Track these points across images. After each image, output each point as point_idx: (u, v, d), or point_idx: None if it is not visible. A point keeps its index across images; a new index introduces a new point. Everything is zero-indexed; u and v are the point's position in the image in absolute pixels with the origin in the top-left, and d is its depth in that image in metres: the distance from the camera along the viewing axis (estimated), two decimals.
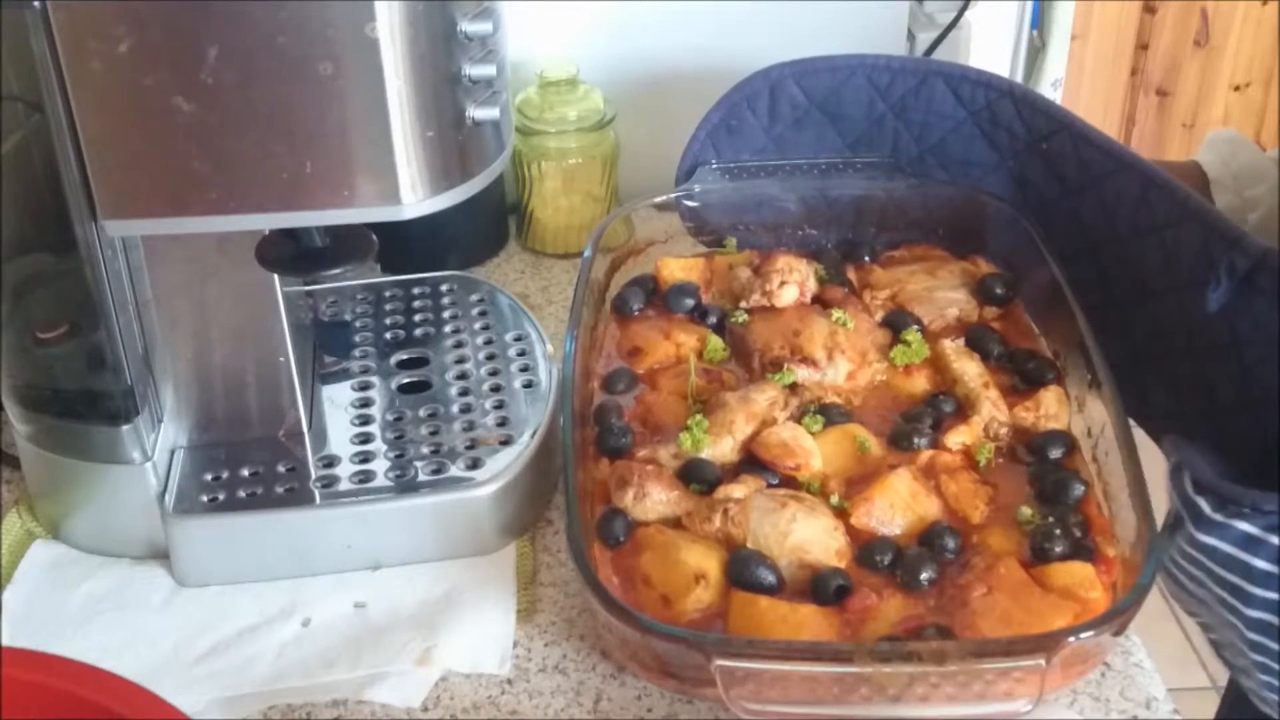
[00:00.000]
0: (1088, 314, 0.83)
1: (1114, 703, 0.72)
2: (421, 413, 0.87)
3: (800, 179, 1.00)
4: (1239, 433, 0.83)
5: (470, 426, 0.86)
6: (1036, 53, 1.43)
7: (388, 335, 0.96)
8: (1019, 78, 1.28)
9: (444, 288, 1.01)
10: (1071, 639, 0.63)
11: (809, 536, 0.72)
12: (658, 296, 0.94)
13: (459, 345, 0.94)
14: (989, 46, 1.21)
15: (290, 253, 0.76)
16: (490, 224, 1.15)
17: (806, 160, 1.01)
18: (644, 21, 1.14)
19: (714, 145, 1.01)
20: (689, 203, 0.99)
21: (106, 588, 0.80)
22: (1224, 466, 0.72)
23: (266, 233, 0.76)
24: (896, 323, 0.90)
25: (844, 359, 0.85)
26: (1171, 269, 0.84)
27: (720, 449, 0.79)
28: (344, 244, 0.76)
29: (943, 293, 0.93)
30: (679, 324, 0.91)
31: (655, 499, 0.76)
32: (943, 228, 0.98)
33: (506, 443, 0.84)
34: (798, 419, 0.82)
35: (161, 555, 0.81)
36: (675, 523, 0.75)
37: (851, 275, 0.96)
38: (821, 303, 0.92)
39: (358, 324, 0.97)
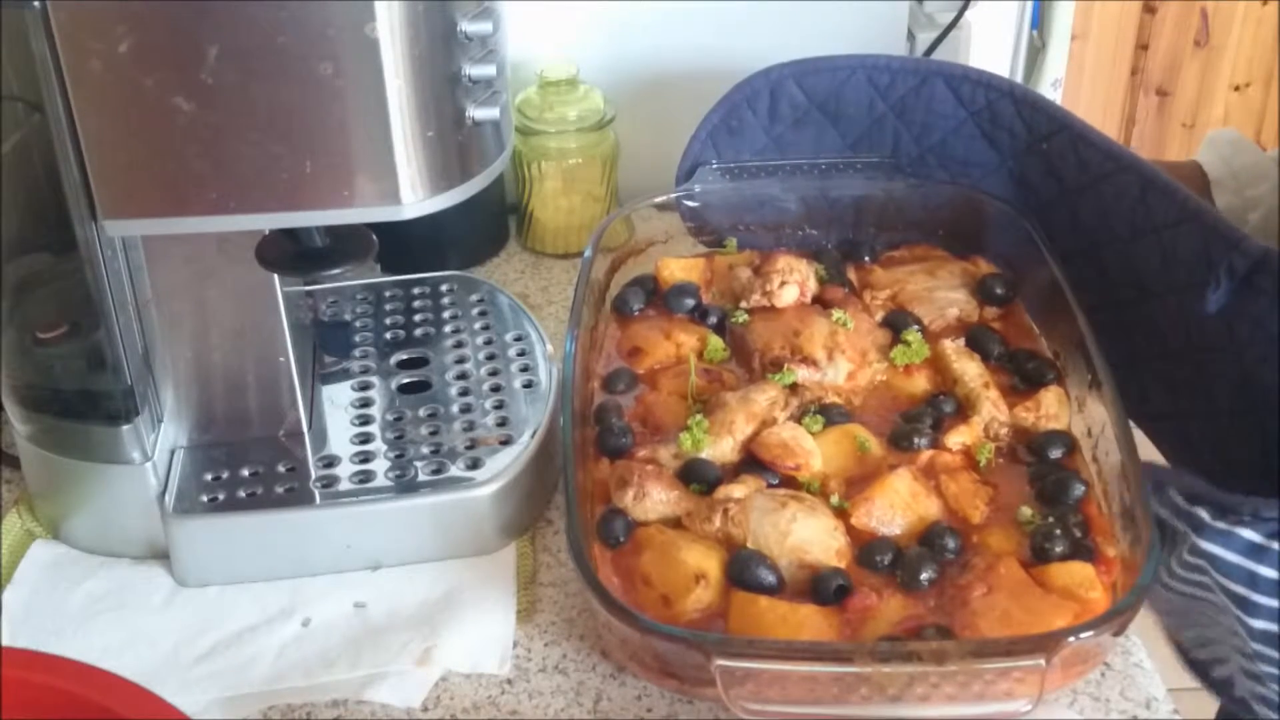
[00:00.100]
0: (1087, 314, 0.83)
1: (1114, 703, 0.72)
2: (421, 413, 0.87)
3: (800, 179, 1.00)
4: (1238, 433, 0.83)
5: (470, 426, 0.86)
6: (1036, 53, 1.43)
7: (388, 335, 0.96)
8: (1019, 78, 1.28)
9: (444, 288, 1.01)
10: (1071, 639, 0.63)
11: (809, 536, 0.72)
12: (658, 296, 0.94)
13: (459, 345, 0.94)
14: (989, 46, 1.21)
15: (290, 253, 0.76)
16: (490, 224, 1.15)
17: (807, 160, 1.01)
18: (644, 21, 1.14)
19: (714, 145, 1.01)
20: (689, 203, 0.99)
21: (106, 588, 0.80)
22: (1203, 481, 0.73)
23: (266, 233, 0.76)
24: (897, 323, 0.90)
25: (844, 359, 0.85)
26: (1170, 270, 0.84)
27: (720, 449, 0.79)
28: (344, 244, 0.76)
29: (943, 293, 0.93)
30: (679, 324, 0.91)
31: (655, 499, 0.76)
32: (943, 228, 0.98)
33: (506, 443, 0.84)
34: (798, 419, 0.82)
35: (161, 555, 0.81)
36: (675, 523, 0.75)
37: (852, 275, 0.96)
38: (822, 303, 0.92)
39: (358, 324, 0.97)
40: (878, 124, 1.00)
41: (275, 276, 0.79)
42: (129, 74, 0.65)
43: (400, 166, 0.69)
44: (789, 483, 0.78)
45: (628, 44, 1.15)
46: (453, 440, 0.84)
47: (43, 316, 0.78)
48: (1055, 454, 0.79)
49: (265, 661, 0.75)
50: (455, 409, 0.87)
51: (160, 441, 0.81)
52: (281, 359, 0.82)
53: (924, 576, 0.71)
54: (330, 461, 0.83)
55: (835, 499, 0.76)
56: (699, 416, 0.80)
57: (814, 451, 0.78)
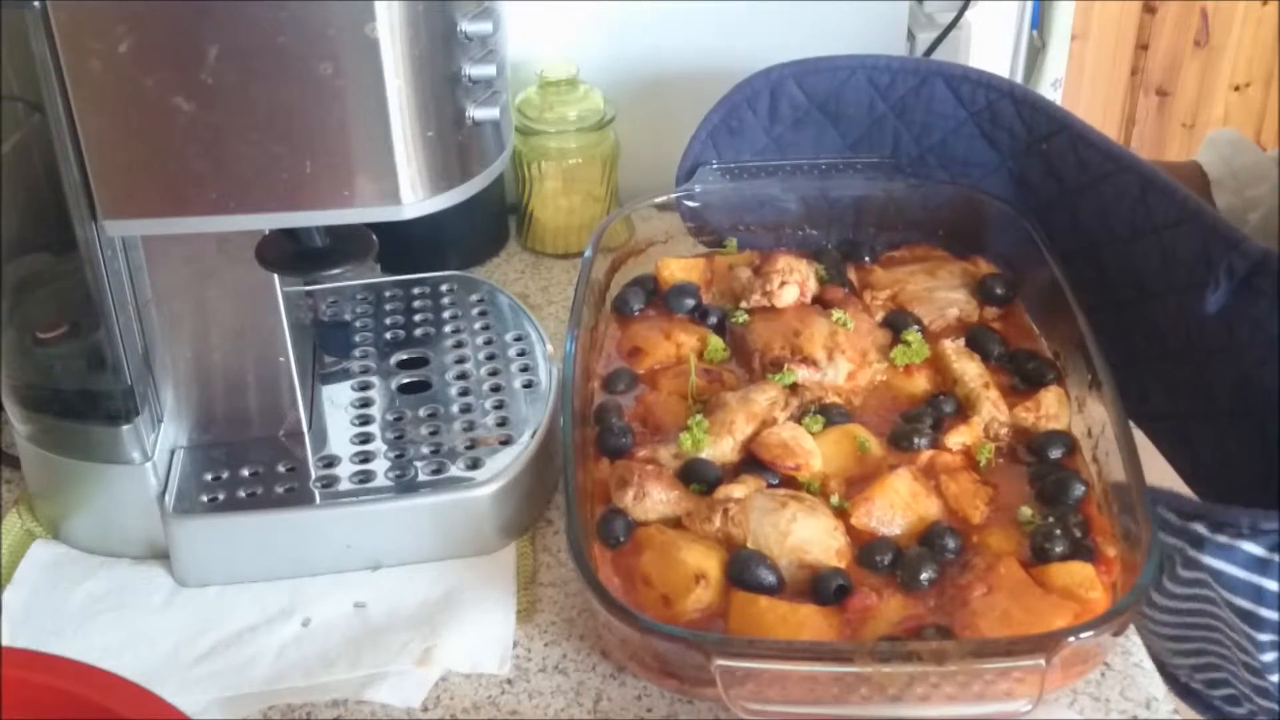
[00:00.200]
0: (1087, 314, 0.83)
1: (1114, 703, 0.72)
2: (421, 413, 0.87)
3: (801, 179, 1.00)
4: (1238, 434, 0.83)
5: (470, 426, 0.86)
6: (1036, 53, 1.43)
7: (388, 335, 0.96)
8: (1019, 78, 1.28)
9: (444, 288, 1.01)
10: (1071, 639, 0.63)
11: (809, 536, 0.72)
12: (658, 297, 0.94)
13: (459, 345, 0.94)
14: (989, 46, 1.21)
15: (290, 253, 0.76)
16: (490, 224, 1.15)
17: (807, 160, 1.01)
18: (644, 21, 1.14)
19: (714, 145, 1.01)
20: (689, 203, 0.99)
21: (106, 588, 0.80)
22: (1192, 496, 0.73)
23: (266, 233, 0.76)
24: (897, 323, 0.90)
25: (844, 359, 0.85)
26: (1170, 270, 0.84)
27: (720, 449, 0.79)
28: (344, 244, 0.76)
29: (943, 293, 0.93)
30: (679, 324, 0.91)
31: (655, 499, 0.76)
32: (943, 228, 0.98)
33: (506, 443, 0.84)
34: (798, 419, 0.82)
35: (161, 555, 0.81)
36: (675, 523, 0.75)
37: (852, 275, 0.96)
38: (822, 303, 0.92)
39: (358, 324, 0.97)
40: (878, 124, 1.00)
41: (275, 276, 0.79)
42: (129, 74, 0.65)
43: (400, 166, 0.69)
44: (789, 483, 0.78)
45: (628, 44, 1.15)
46: (453, 440, 0.84)
47: (43, 316, 0.78)
48: (1055, 454, 0.79)
49: (265, 661, 0.75)
50: (455, 409, 0.87)
51: (160, 441, 0.81)
52: (281, 359, 0.82)
53: (924, 576, 0.71)
54: (330, 461, 0.83)
55: (835, 499, 0.76)
56: (699, 416, 0.80)
57: (814, 451, 0.78)
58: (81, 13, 0.64)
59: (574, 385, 0.79)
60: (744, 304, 0.91)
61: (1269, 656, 0.73)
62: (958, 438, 0.80)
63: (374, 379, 0.91)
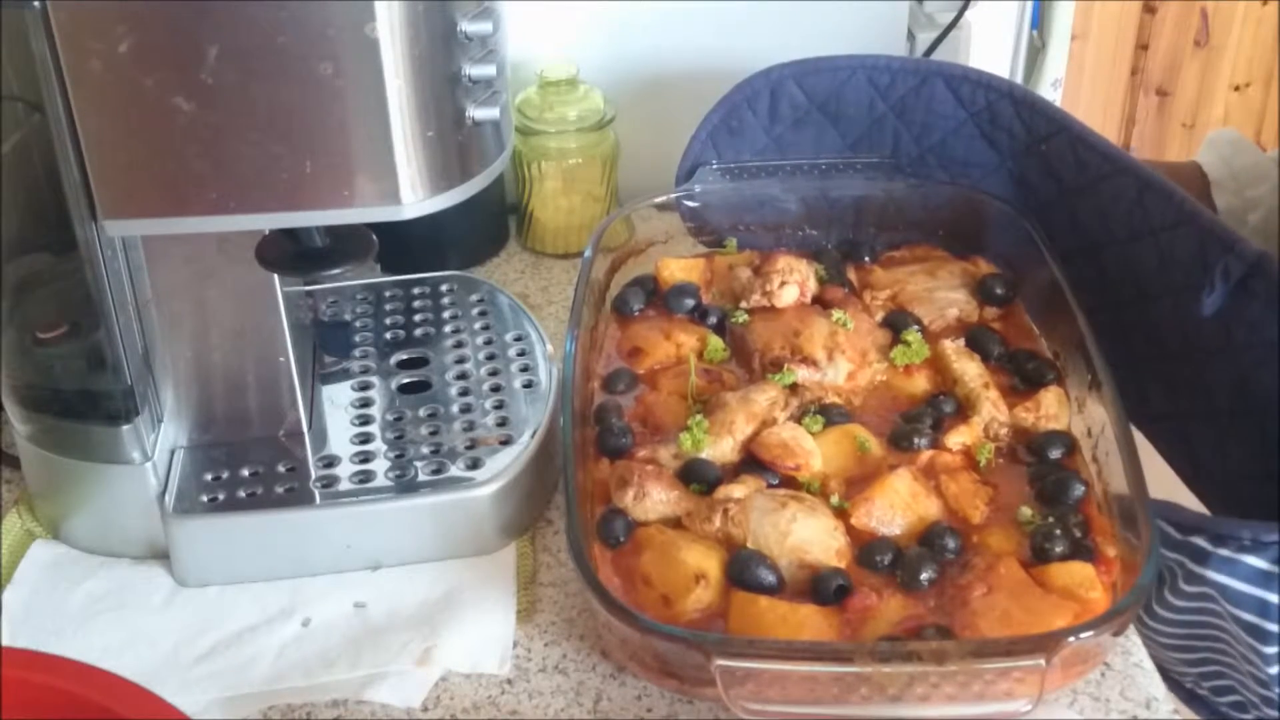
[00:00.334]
0: (1087, 315, 0.83)
1: (1114, 703, 0.72)
2: (421, 413, 0.87)
3: (801, 179, 1.00)
4: (1238, 435, 0.83)
5: (470, 426, 0.86)
6: (1036, 53, 1.43)
7: (388, 335, 0.96)
8: (1019, 78, 1.28)
9: (444, 288, 1.01)
10: (1071, 639, 0.63)
11: (809, 536, 0.72)
12: (658, 297, 0.94)
13: (459, 345, 0.94)
14: (989, 46, 1.21)
15: (290, 253, 0.76)
16: (490, 224, 1.15)
17: (807, 160, 1.01)
18: (644, 21, 1.14)
19: (714, 145, 1.01)
20: (689, 203, 0.99)
21: (106, 588, 0.80)
22: (1191, 510, 0.73)
23: (266, 233, 0.76)
24: (897, 323, 0.90)
25: (844, 359, 0.85)
26: (1167, 272, 0.84)
27: (720, 449, 0.79)
28: (344, 244, 0.76)
29: (943, 293, 0.93)
30: (679, 324, 0.91)
31: (655, 499, 0.76)
32: (943, 228, 0.98)
33: (506, 443, 0.84)
34: (798, 419, 0.82)
35: (161, 555, 0.81)
36: (675, 523, 0.75)
37: (852, 275, 0.96)
38: (822, 303, 0.92)
39: (358, 324, 0.97)
40: (878, 124, 1.00)
41: (275, 276, 0.79)
42: (129, 74, 0.65)
43: (400, 166, 0.69)
44: (789, 483, 0.78)
45: (628, 44, 1.15)
46: (453, 440, 0.84)
47: (43, 316, 0.78)
48: (1055, 454, 0.79)
49: (265, 661, 0.75)
50: (455, 409, 0.87)
51: (160, 441, 0.81)
52: (281, 359, 0.82)
53: (924, 576, 0.71)
54: (330, 461, 0.83)
55: (835, 499, 0.76)
56: (699, 417, 0.80)
57: (814, 451, 0.78)
58: (81, 13, 0.64)
59: (574, 385, 0.79)
60: (744, 304, 0.91)
61: (1275, 669, 0.73)
62: (958, 438, 0.80)
63: (374, 379, 0.91)
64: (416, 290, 1.01)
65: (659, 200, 0.98)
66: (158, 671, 0.74)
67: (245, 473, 0.82)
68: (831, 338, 0.86)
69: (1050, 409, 0.82)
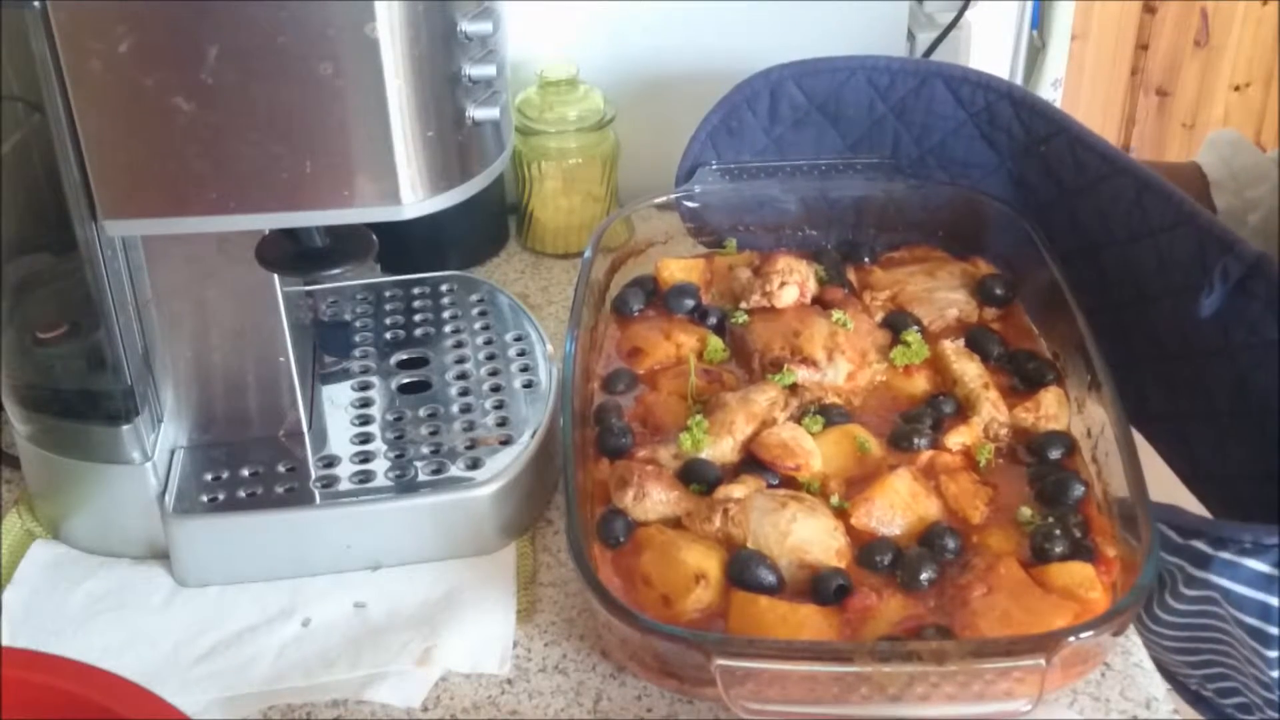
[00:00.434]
0: (1086, 316, 0.83)
1: (1114, 703, 0.72)
2: (421, 413, 0.87)
3: (800, 180, 1.00)
4: (1237, 435, 0.83)
5: (470, 426, 0.86)
6: (1036, 53, 1.43)
7: (388, 335, 0.96)
8: (1019, 78, 1.28)
9: (444, 288, 1.01)
10: (1071, 639, 0.63)
11: (809, 536, 0.72)
12: (658, 297, 0.94)
13: (459, 345, 0.94)
14: (989, 46, 1.21)
15: (290, 253, 0.76)
16: (490, 224, 1.15)
17: (807, 161, 1.01)
18: (644, 21, 1.14)
19: (714, 146, 1.01)
20: (689, 203, 0.99)
21: (106, 588, 0.80)
22: (1190, 512, 0.73)
23: (266, 233, 0.76)
24: (896, 323, 0.90)
25: (844, 359, 0.85)
26: (1166, 273, 0.84)
27: (720, 449, 0.79)
28: (344, 244, 0.76)
29: (942, 294, 0.93)
30: (679, 325, 0.91)
31: (655, 499, 0.76)
32: (942, 229, 0.98)
33: (506, 443, 0.84)
34: (798, 419, 0.82)
35: (161, 555, 0.81)
36: (675, 523, 0.76)
37: (851, 276, 0.96)
38: (821, 303, 0.92)
39: (358, 324, 0.97)
40: (877, 125, 1.00)
41: (275, 276, 0.79)
42: (129, 74, 0.65)
43: (400, 166, 0.69)
44: (789, 483, 0.78)
45: (628, 44, 1.15)
46: (453, 440, 0.84)
47: (43, 316, 0.78)
48: (1055, 455, 0.79)
49: (265, 661, 0.75)
50: (455, 409, 0.87)
51: (160, 441, 0.81)
52: (281, 359, 0.82)
53: (924, 576, 0.71)
54: (330, 461, 0.83)
55: (835, 499, 0.76)
56: (699, 417, 0.80)
57: (814, 452, 0.78)
58: (81, 13, 0.64)
59: (574, 386, 0.80)
60: (744, 304, 0.91)
61: (1278, 673, 0.73)
62: (957, 438, 0.80)
63: (374, 379, 0.91)
64: (416, 290, 1.01)
65: (659, 201, 0.98)
66: (158, 671, 0.74)
67: (245, 473, 0.82)
68: (831, 338, 0.86)
69: (1050, 409, 0.82)
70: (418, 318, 0.98)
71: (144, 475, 0.80)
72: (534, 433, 0.84)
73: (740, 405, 0.81)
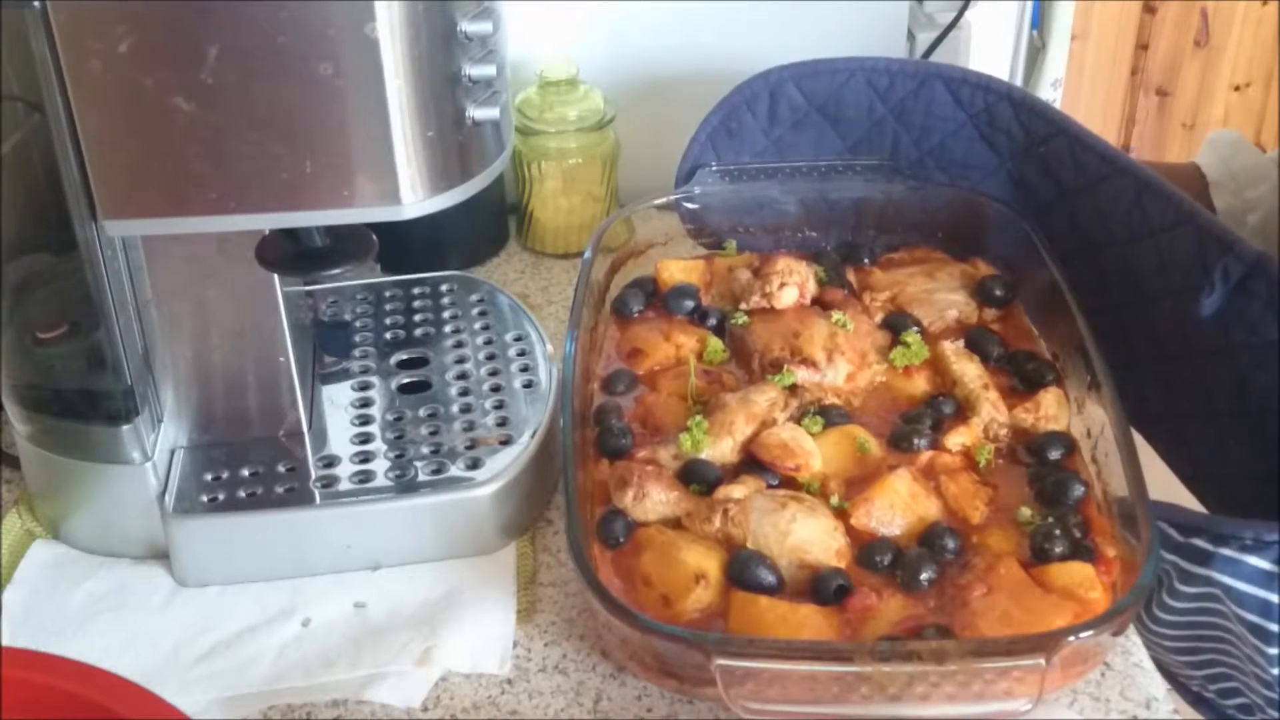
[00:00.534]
0: (1086, 317, 0.83)
1: (1114, 703, 0.72)
2: (421, 413, 0.87)
3: (800, 181, 1.00)
4: (1237, 436, 0.83)
5: (470, 426, 0.86)
6: (1036, 53, 1.43)
7: (388, 335, 0.96)
8: (1019, 78, 1.28)
9: (444, 288, 1.01)
10: (1071, 639, 0.63)
11: (809, 537, 0.72)
12: (657, 298, 0.94)
13: (459, 345, 0.94)
14: (989, 47, 1.21)
15: (290, 253, 0.76)
16: (490, 224, 1.15)
17: (806, 163, 1.01)
18: (644, 22, 1.14)
19: (714, 147, 1.01)
20: (689, 205, 0.99)
21: (106, 588, 0.80)
22: (1188, 509, 0.73)
23: (266, 233, 0.76)
24: (896, 324, 0.90)
25: (844, 360, 0.85)
26: (1166, 273, 0.84)
27: (720, 450, 0.79)
28: (344, 244, 0.76)
29: (942, 295, 0.93)
30: (679, 325, 0.91)
31: (655, 499, 0.76)
32: (942, 230, 0.98)
33: (506, 443, 0.84)
34: (797, 420, 0.82)
35: (161, 555, 0.81)
36: (675, 523, 0.76)
37: (851, 277, 0.96)
38: (821, 304, 0.92)
39: (358, 324, 0.97)
40: (877, 126, 1.00)
41: (275, 276, 0.79)
42: (129, 74, 0.65)
43: (400, 166, 0.69)
44: (789, 483, 0.78)
45: (628, 44, 1.15)
46: (453, 440, 0.84)
47: (43, 316, 0.78)
48: (1054, 455, 0.79)
49: (265, 661, 0.75)
50: (455, 409, 0.87)
51: (160, 441, 0.81)
52: (281, 359, 0.82)
53: (924, 577, 0.71)
54: (330, 461, 0.83)
55: (835, 499, 0.76)
56: (699, 417, 0.80)
57: (814, 452, 0.78)
58: (81, 13, 0.64)
59: (574, 386, 0.80)
60: (743, 305, 0.91)
61: (1279, 671, 0.73)
62: (957, 439, 0.80)
63: (374, 379, 0.91)
64: (416, 290, 1.01)
65: (659, 202, 0.98)
66: (158, 671, 0.74)
67: (245, 473, 0.82)
68: (831, 339, 0.86)
69: (1050, 410, 0.82)
70: (418, 318, 0.98)
71: (144, 475, 0.80)
72: (534, 433, 0.84)
73: (740, 406, 0.81)
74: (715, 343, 0.89)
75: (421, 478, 0.81)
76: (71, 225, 0.71)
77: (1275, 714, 0.77)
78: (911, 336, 0.88)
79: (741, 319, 0.90)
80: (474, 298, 1.00)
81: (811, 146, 1.02)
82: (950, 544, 0.73)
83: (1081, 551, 0.72)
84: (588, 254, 0.90)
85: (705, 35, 1.14)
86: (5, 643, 0.75)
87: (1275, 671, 0.73)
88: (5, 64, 0.68)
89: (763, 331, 0.88)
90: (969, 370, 0.84)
